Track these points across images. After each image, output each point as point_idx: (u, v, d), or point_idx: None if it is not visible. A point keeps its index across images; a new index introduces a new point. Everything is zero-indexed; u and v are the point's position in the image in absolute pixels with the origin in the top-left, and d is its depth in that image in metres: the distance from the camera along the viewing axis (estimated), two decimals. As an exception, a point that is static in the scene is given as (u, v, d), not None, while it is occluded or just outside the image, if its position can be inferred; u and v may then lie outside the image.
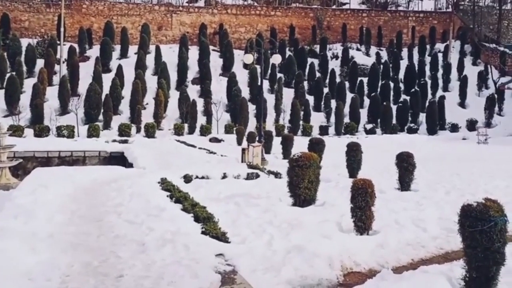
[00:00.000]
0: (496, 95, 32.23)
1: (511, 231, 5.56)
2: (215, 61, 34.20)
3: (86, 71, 30.32)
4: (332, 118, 30.02)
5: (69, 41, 34.08)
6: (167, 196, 8.94)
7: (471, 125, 30.30)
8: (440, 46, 39.46)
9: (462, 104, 33.64)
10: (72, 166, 16.90)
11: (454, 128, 30.65)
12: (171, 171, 11.67)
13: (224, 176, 11.47)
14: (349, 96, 32.33)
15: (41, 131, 23.88)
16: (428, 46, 39.23)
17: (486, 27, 40.94)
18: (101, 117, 27.07)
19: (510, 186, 10.81)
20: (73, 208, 8.43)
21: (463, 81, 33.84)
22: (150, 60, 32.96)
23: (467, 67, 36.39)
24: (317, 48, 37.92)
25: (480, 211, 4.61)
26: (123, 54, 34.03)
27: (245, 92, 30.71)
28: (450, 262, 5.73)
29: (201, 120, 28.04)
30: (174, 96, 30.01)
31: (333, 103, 30.77)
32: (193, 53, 34.11)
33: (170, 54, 33.45)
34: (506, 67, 35.66)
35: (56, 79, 30.24)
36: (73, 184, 10.89)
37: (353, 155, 12.42)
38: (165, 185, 9.80)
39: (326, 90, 32.84)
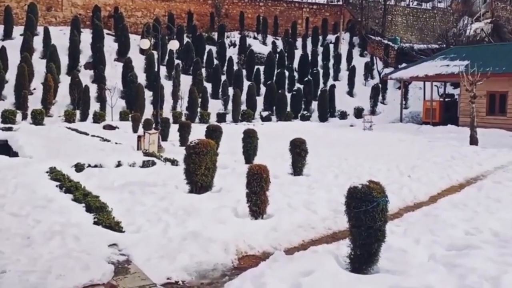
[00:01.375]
0: (380, 85, 34.53)
1: (391, 211, 6.06)
2: (110, 46, 32.79)
3: (-38, 52, 27.60)
4: (230, 106, 30.26)
5: None
6: (57, 186, 8.51)
7: (358, 112, 32.16)
8: (331, 37, 41.30)
9: (350, 93, 35.58)
10: None
11: (343, 115, 32.35)
12: (61, 160, 11.07)
13: (119, 164, 11.13)
14: (246, 84, 32.76)
15: None
16: (320, 37, 40.84)
17: (373, 20, 43.62)
18: (-20, 102, 24.88)
19: (391, 169, 11.70)
20: None
21: (352, 71, 35.78)
22: (38, 42, 30.73)
23: (355, 58, 38.52)
24: (215, 35, 37.89)
25: (364, 193, 4.96)
26: (7, 35, 31.38)
27: (142, 78, 29.87)
28: (337, 241, 6.11)
29: (94, 106, 26.81)
30: (65, 81, 28.35)
31: (231, 91, 31.03)
32: (86, 36, 32.37)
33: (60, 37, 31.45)
34: (389, 59, 38.36)
35: None
36: None
37: (250, 142, 12.70)
38: (54, 174, 9.30)
39: (224, 77, 33.01)
